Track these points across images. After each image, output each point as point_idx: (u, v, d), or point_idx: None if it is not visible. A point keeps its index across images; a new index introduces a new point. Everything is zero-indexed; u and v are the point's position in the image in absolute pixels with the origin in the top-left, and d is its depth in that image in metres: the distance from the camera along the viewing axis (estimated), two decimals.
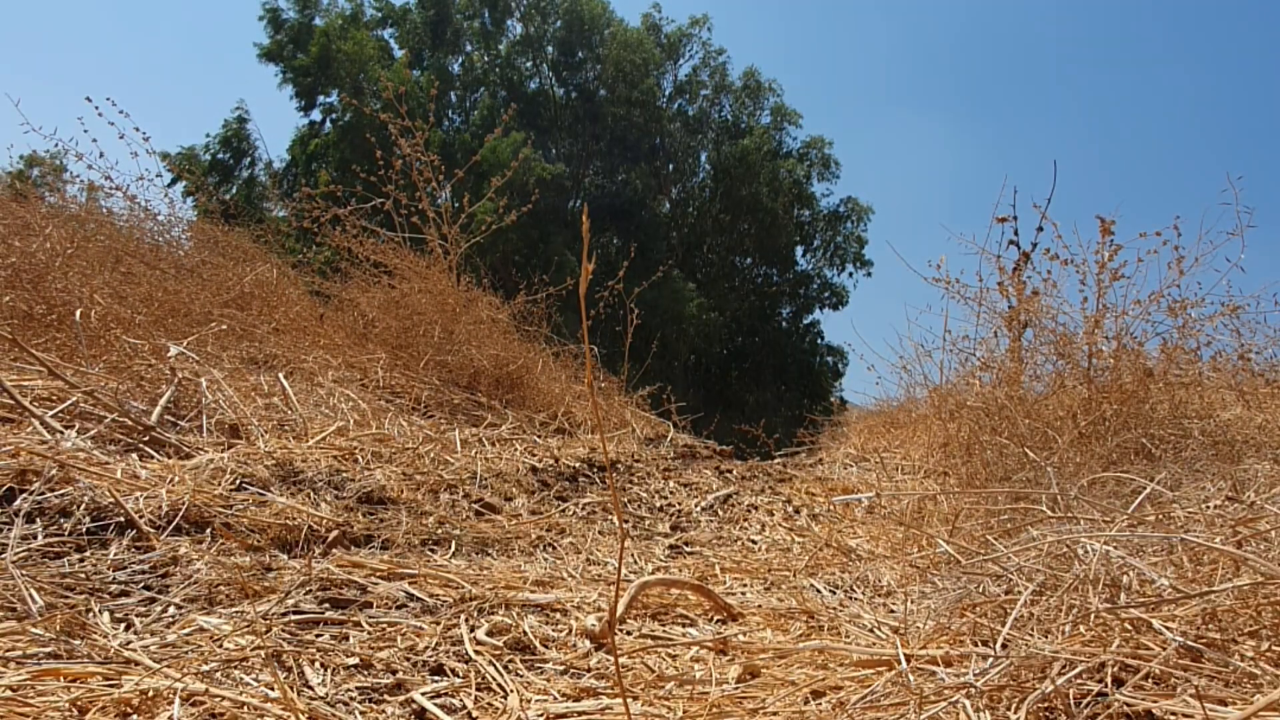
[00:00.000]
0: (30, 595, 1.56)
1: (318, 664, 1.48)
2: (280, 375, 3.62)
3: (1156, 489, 2.15)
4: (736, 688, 1.52)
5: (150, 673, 1.34)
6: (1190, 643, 1.31)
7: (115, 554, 1.88)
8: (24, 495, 1.98)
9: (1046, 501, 2.31)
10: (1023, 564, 1.77)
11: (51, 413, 2.52)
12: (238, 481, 2.44)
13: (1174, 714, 1.19)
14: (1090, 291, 3.77)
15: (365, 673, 1.48)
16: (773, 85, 22.45)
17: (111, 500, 2.04)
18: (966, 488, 3.07)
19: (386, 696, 1.40)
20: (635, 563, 2.64)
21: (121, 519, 2.01)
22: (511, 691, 1.45)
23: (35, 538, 1.85)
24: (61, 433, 2.41)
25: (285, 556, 2.13)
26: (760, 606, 2.12)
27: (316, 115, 19.53)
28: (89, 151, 5.75)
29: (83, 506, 2.00)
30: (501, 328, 5.58)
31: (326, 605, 1.79)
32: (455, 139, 18.69)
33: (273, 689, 1.33)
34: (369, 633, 1.66)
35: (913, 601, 2.05)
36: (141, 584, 1.77)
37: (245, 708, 1.26)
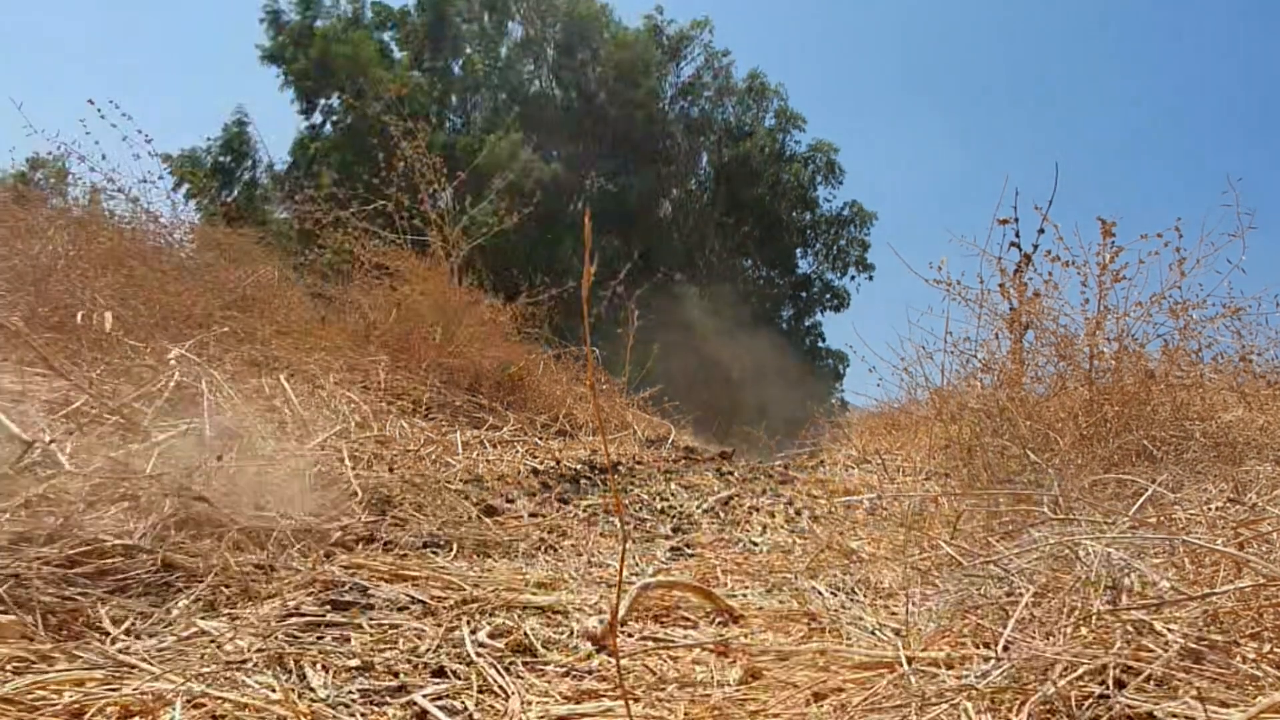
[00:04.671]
0: (30, 596, 1.57)
1: (319, 666, 1.48)
2: (282, 377, 3.62)
3: (1158, 491, 2.15)
4: (738, 690, 1.52)
5: (151, 675, 1.34)
6: (1192, 644, 1.30)
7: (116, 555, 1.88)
8: None
9: (1048, 503, 2.31)
10: (1024, 566, 1.76)
11: (54, 414, 2.52)
12: None
13: (1175, 716, 1.18)
14: (1091, 293, 3.76)
15: (367, 674, 1.48)
16: (778, 89, 22.40)
17: None
18: (968, 489, 3.06)
19: (388, 698, 1.40)
20: (636, 565, 2.64)
21: None
22: (513, 694, 1.45)
23: None
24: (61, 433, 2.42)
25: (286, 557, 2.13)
26: (761, 608, 2.12)
27: (318, 118, 19.51)
28: (91, 154, 5.75)
29: None
30: (503, 330, 5.58)
31: (328, 607, 1.79)
32: (456, 141, 18.69)
33: (274, 691, 1.33)
34: (370, 634, 1.66)
35: (914, 603, 2.05)
36: (142, 585, 1.77)
37: (247, 709, 1.26)
